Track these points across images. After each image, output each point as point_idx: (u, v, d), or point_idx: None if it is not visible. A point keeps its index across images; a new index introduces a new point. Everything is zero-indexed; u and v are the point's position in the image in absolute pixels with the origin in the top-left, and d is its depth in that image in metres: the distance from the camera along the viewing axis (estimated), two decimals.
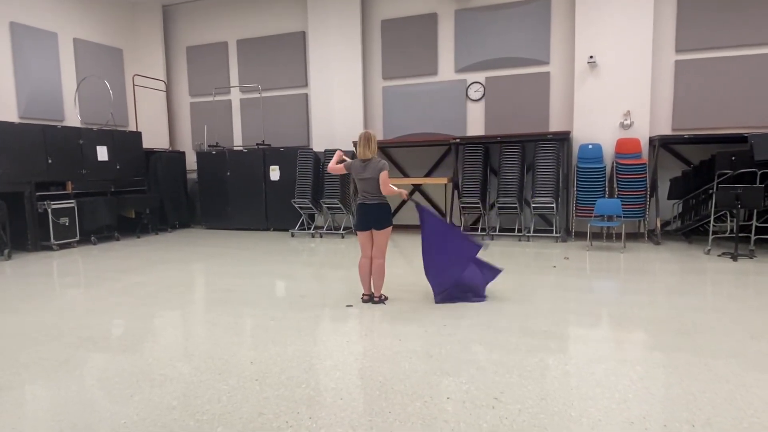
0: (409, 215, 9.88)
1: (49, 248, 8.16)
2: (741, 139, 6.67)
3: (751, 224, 6.47)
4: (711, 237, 6.82)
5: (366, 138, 4.55)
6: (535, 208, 8.19)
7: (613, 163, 8.04)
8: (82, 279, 6.39)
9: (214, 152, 10.57)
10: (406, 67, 9.61)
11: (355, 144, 9.51)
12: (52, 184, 8.43)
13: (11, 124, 8.05)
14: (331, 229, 9.60)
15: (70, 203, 8.48)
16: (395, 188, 4.57)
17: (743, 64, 7.67)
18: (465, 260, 4.73)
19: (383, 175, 4.46)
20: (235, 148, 10.79)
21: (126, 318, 4.50)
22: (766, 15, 7.51)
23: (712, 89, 7.85)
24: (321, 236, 9.33)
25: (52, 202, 8.18)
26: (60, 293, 5.65)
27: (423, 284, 5.52)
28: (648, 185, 7.69)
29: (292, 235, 9.48)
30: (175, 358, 3.49)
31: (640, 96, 7.99)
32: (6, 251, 7.49)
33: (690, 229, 7.60)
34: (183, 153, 11.23)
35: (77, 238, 8.54)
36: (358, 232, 4.70)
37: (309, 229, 9.68)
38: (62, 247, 8.33)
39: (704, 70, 7.87)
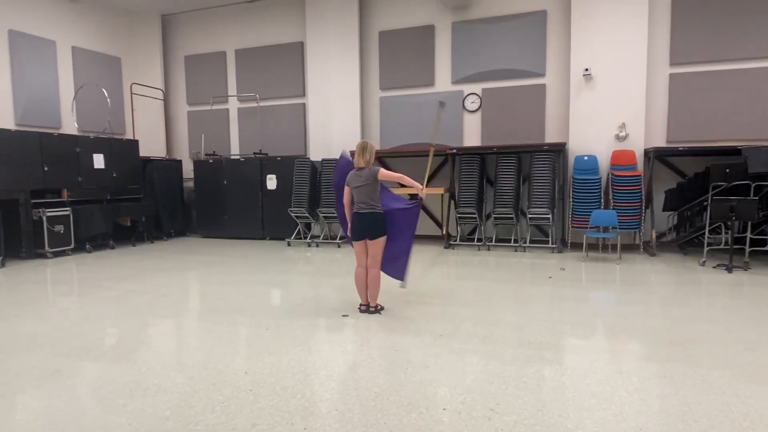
0: None
1: (44, 256, 8.12)
2: (735, 151, 6.73)
3: (746, 236, 6.50)
4: (706, 249, 6.85)
5: (362, 147, 4.58)
6: (531, 218, 8.21)
7: (608, 174, 8.09)
8: (75, 287, 6.35)
9: (211, 161, 10.57)
10: (403, 78, 9.67)
11: (352, 154, 9.57)
12: (48, 192, 8.40)
13: (8, 131, 8.02)
14: (327, 239, 9.59)
15: (66, 211, 8.45)
16: (406, 180, 4.63)
17: (737, 77, 7.76)
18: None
19: (381, 173, 4.51)
20: (232, 157, 10.80)
21: (119, 327, 4.46)
22: (760, 29, 7.61)
23: (706, 102, 7.93)
24: (317, 245, 9.31)
25: (48, 210, 8.14)
26: (53, 301, 5.61)
27: (419, 294, 5.51)
28: (643, 197, 7.73)
29: (289, 244, 9.47)
30: (169, 368, 3.46)
31: (635, 108, 8.06)
32: (0, 259, 7.44)
33: (685, 241, 7.63)
34: (180, 161, 11.22)
35: (72, 245, 8.49)
36: (353, 242, 4.69)
37: (305, 238, 9.67)
38: (57, 254, 8.28)
39: (698, 83, 7.96)
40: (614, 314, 4.64)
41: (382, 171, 4.52)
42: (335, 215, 9.21)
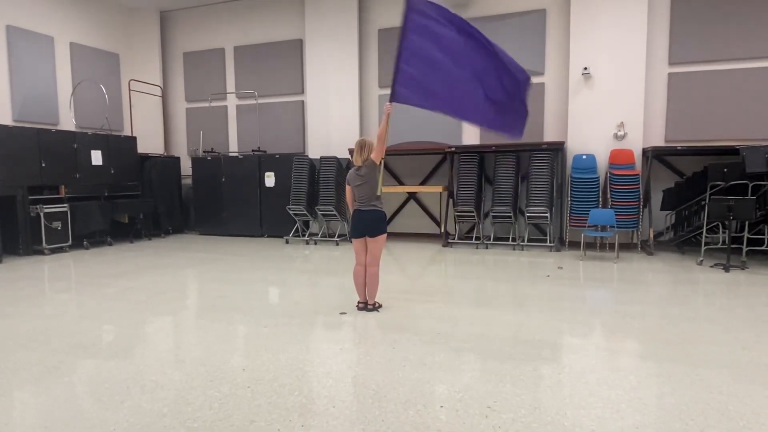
0: (405, 222, 9.90)
1: (41, 252, 8.10)
2: (733, 151, 6.74)
3: (743, 236, 6.52)
4: (703, 248, 6.86)
5: (360, 145, 4.58)
6: (529, 217, 8.22)
7: (606, 173, 8.10)
8: (73, 284, 6.34)
9: (209, 158, 10.55)
10: None
11: (350, 151, 9.61)
12: (46, 188, 8.38)
13: (5, 127, 8.00)
14: (325, 236, 9.59)
15: (63, 207, 8.43)
16: (384, 123, 4.42)
17: (735, 77, 7.76)
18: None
19: (375, 157, 4.46)
20: (231, 154, 10.78)
21: (117, 324, 4.46)
22: (758, 29, 7.62)
23: (704, 102, 7.94)
24: (315, 243, 9.31)
25: (45, 206, 8.13)
26: (50, 298, 5.60)
27: (417, 292, 5.52)
28: (641, 196, 7.74)
29: (287, 242, 9.46)
30: (167, 365, 3.46)
31: (633, 107, 8.06)
32: None
33: (682, 240, 7.64)
34: (178, 158, 11.20)
35: (69, 242, 8.47)
36: (353, 239, 4.70)
37: (303, 235, 9.66)
38: (54, 251, 8.26)
39: (697, 82, 7.97)
40: (612, 313, 4.65)
41: (374, 154, 4.51)
42: (333, 213, 9.24)
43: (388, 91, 10.49)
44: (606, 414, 2.67)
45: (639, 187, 7.73)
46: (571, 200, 8.05)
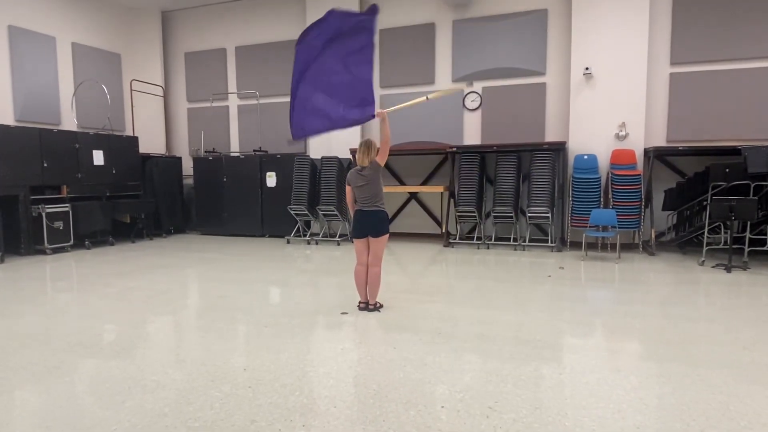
0: (406, 222, 9.90)
1: (43, 252, 8.11)
2: (735, 151, 6.72)
3: (745, 236, 6.51)
4: (705, 248, 6.85)
5: (366, 145, 4.57)
6: (530, 217, 8.22)
7: (608, 173, 8.09)
8: (74, 283, 6.35)
9: (210, 158, 10.56)
10: (403, 75, 9.65)
11: (351, 152, 9.57)
12: (47, 188, 8.40)
13: (7, 127, 8.02)
14: (326, 236, 9.59)
15: (65, 207, 8.45)
16: (386, 126, 4.53)
17: (737, 77, 7.75)
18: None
19: (381, 160, 4.50)
20: (232, 154, 10.79)
21: (118, 323, 4.46)
22: (759, 30, 7.61)
23: (706, 102, 7.92)
24: (317, 243, 9.31)
25: (47, 206, 8.14)
26: (52, 297, 5.61)
27: (418, 292, 5.52)
28: (643, 196, 7.73)
29: (288, 242, 9.47)
30: (168, 365, 3.47)
31: (635, 107, 8.05)
32: None
33: (684, 240, 7.63)
34: (179, 158, 11.21)
35: (71, 242, 8.49)
36: (354, 240, 4.69)
37: (305, 235, 9.67)
38: (56, 251, 8.28)
39: (699, 82, 7.95)
40: (613, 313, 4.64)
41: (378, 157, 4.53)
42: (335, 213, 9.24)
43: (389, 91, 10.56)
44: (607, 414, 2.67)
45: (640, 188, 7.72)
46: (572, 200, 8.04)
